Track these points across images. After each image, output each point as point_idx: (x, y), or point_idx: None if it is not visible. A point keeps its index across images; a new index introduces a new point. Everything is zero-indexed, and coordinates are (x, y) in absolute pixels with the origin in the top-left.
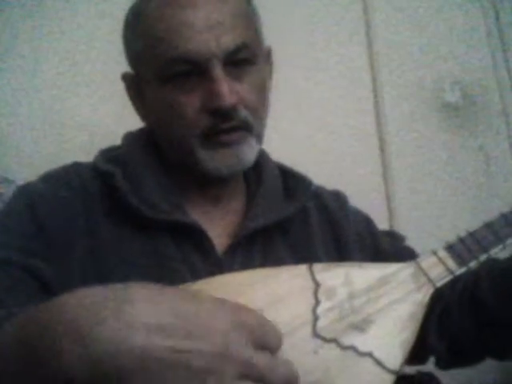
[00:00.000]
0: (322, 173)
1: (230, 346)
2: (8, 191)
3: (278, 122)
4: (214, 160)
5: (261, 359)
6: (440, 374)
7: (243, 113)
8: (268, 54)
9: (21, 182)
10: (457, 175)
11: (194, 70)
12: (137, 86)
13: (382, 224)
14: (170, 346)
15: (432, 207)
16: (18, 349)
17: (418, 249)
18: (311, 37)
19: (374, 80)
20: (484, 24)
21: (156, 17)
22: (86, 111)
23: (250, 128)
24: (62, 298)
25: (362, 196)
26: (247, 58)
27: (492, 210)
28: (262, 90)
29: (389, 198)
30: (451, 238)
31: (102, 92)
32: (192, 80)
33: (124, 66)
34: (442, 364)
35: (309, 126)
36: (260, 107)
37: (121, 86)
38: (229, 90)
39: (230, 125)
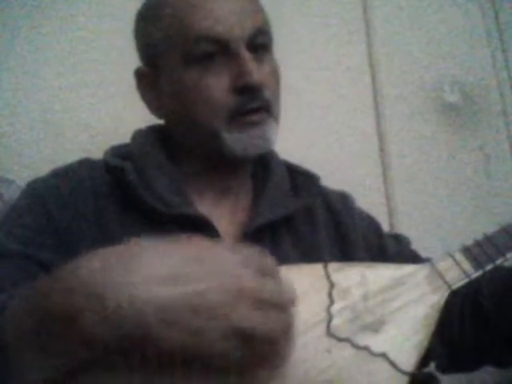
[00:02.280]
0: (322, 173)
1: (242, 279)
2: (8, 191)
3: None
4: (240, 141)
5: (269, 284)
6: (440, 374)
7: (267, 93)
8: None
9: (21, 182)
10: (457, 175)
11: (220, 52)
12: (150, 78)
13: (382, 224)
14: (184, 293)
15: (432, 207)
16: (31, 317)
17: (418, 248)
18: (311, 37)
19: (374, 80)
20: (484, 24)
21: (181, 1)
22: (86, 111)
23: (272, 110)
24: (74, 263)
25: (362, 196)
26: (265, 43)
27: (492, 210)
28: (278, 76)
29: (389, 198)
30: (450, 237)
31: (102, 92)
32: (217, 62)
33: (124, 66)
34: (442, 369)
35: (309, 126)
36: (277, 91)
37: (121, 86)
38: (256, 68)
39: (257, 104)
